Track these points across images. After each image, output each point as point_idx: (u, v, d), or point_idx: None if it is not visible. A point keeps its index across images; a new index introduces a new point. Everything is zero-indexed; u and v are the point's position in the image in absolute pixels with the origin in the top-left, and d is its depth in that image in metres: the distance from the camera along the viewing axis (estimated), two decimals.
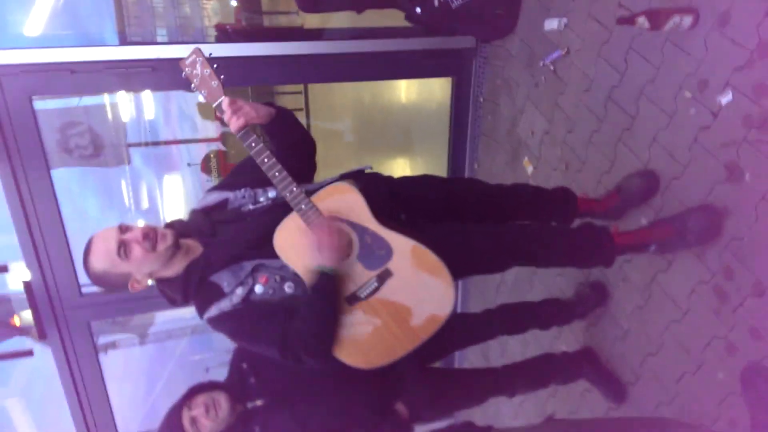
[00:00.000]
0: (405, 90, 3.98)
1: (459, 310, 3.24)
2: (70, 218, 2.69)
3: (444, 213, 1.70)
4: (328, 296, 1.44)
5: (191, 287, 1.50)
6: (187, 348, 4.80)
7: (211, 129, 5.06)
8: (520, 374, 2.10)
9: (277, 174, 1.43)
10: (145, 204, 4.38)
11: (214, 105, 1.44)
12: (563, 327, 2.33)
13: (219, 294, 1.48)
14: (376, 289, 1.47)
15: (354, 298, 1.48)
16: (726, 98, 1.55)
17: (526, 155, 2.59)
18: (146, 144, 4.11)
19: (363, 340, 1.49)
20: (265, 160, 1.42)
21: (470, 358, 3.38)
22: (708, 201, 1.64)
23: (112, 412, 3.18)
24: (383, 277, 1.47)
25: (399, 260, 1.47)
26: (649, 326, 1.92)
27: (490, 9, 2.52)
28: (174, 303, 1.55)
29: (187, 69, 1.41)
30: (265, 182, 1.55)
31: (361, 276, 1.48)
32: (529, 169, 2.58)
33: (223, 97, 1.42)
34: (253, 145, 1.43)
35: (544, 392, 2.58)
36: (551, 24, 2.25)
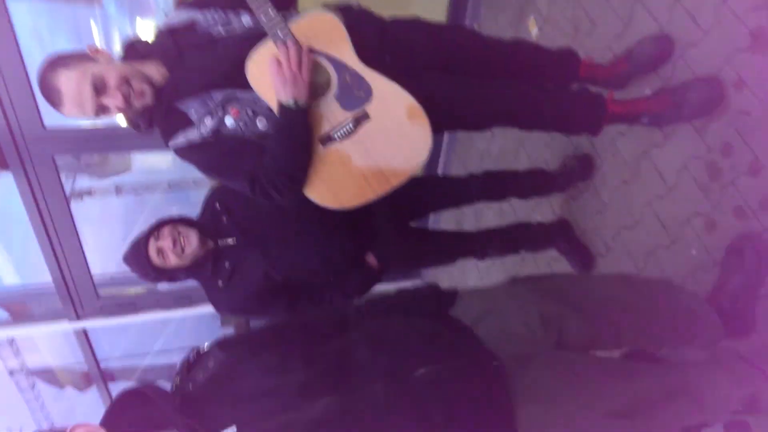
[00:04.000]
0: None
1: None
2: (37, 56, 2.47)
3: (432, 61, 1.57)
4: (296, 133, 1.37)
5: (157, 113, 1.43)
6: (164, 200, 4.76)
7: None
8: (491, 238, 2.11)
9: None
10: (117, 49, 4.04)
11: None
12: (542, 198, 2.31)
13: (186, 122, 1.41)
14: (352, 131, 1.42)
15: (328, 139, 1.43)
16: None
17: (532, 14, 2.38)
18: None
19: (334, 181, 1.46)
20: None
21: (444, 225, 3.41)
22: (716, 73, 1.53)
23: (83, 251, 3.17)
24: (360, 119, 1.41)
25: (378, 103, 1.41)
26: (630, 201, 1.90)
27: None
28: (137, 128, 1.49)
29: None
30: (239, 5, 1.40)
31: (336, 116, 1.42)
32: (534, 31, 2.38)
33: None
34: None
35: (512, 260, 2.63)
36: None
